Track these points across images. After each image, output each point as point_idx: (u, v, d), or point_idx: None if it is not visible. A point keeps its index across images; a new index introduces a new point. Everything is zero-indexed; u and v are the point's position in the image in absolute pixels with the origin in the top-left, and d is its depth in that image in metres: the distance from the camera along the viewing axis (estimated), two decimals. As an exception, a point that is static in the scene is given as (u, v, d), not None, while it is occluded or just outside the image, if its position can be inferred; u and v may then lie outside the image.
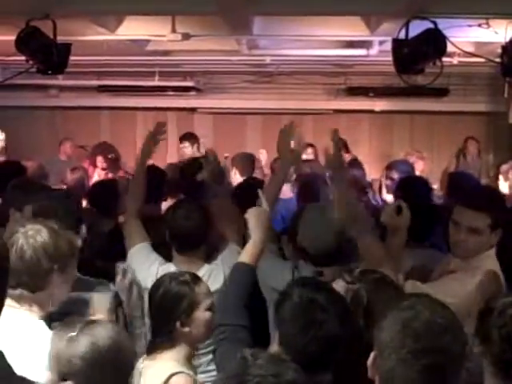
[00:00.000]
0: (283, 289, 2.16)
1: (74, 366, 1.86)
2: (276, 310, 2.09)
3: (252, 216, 2.48)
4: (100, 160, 7.53)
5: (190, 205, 3.22)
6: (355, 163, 5.68)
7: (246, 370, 1.52)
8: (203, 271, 3.04)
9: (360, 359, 1.83)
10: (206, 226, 3.10)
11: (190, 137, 7.18)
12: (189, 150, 7.04)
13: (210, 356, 3.02)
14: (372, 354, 1.65)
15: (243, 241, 3.18)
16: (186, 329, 2.42)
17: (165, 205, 4.07)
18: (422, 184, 4.30)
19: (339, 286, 2.40)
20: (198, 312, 2.46)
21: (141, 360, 2.40)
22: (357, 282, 2.38)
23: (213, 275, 3.05)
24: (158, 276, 2.81)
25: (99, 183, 4.92)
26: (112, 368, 1.90)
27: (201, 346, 2.88)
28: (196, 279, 2.57)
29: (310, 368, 1.95)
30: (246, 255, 2.42)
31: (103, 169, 7.50)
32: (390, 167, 5.21)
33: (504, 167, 4.90)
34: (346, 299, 2.16)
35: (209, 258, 3.16)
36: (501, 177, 4.89)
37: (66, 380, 1.88)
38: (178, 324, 2.41)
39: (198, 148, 7.03)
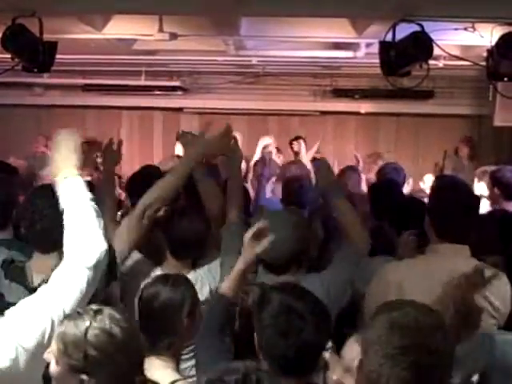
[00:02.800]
0: (261, 293, 2.18)
1: (90, 358, 1.82)
2: (256, 314, 2.11)
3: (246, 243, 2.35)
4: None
5: (193, 211, 3.18)
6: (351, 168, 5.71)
7: None
8: (189, 278, 3.03)
9: None
10: (207, 233, 3.09)
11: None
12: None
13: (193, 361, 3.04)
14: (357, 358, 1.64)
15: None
16: (190, 324, 2.39)
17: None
18: (394, 188, 4.40)
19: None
20: (198, 308, 2.46)
21: None
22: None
23: (198, 284, 3.03)
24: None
25: None
26: (125, 356, 1.85)
27: (185, 350, 2.88)
28: (187, 280, 2.58)
29: (289, 373, 1.98)
30: (228, 283, 2.32)
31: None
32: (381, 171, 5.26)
33: (480, 170, 5.00)
34: (325, 306, 2.16)
35: (196, 262, 3.14)
36: (475, 179, 4.98)
37: (78, 372, 1.83)
38: (185, 320, 2.38)
39: None
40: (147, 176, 4.07)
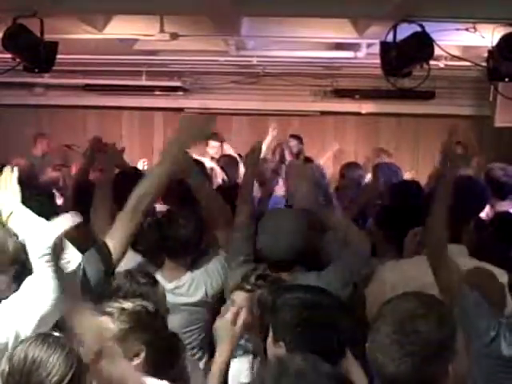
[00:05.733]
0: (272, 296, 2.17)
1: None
2: (274, 316, 2.09)
3: (220, 330, 2.31)
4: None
5: (186, 212, 3.20)
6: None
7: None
8: (185, 279, 3.05)
9: None
10: (200, 234, 3.10)
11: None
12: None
13: None
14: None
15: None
16: None
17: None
18: (414, 189, 4.34)
19: (240, 298, 2.42)
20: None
21: None
22: (256, 289, 2.39)
23: (194, 285, 3.06)
24: None
25: (79, 185, 4.80)
26: None
27: None
28: (155, 281, 2.55)
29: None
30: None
31: None
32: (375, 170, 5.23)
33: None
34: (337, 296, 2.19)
35: (194, 262, 3.15)
36: None
37: None
38: None
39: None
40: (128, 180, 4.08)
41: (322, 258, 3.06)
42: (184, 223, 3.06)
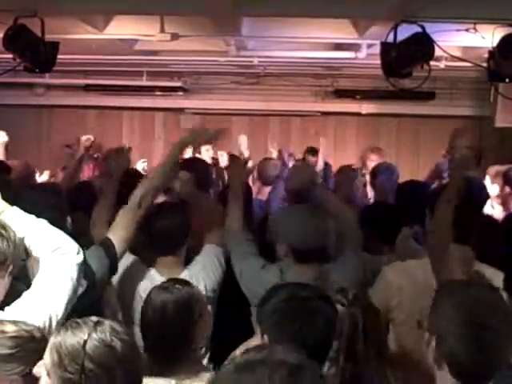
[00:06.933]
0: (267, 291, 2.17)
1: (86, 371, 1.69)
2: (261, 309, 2.11)
3: None
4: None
5: (170, 205, 3.27)
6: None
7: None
8: (183, 276, 3.03)
9: None
10: (186, 225, 3.12)
11: None
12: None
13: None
14: (430, 338, 1.78)
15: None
16: (198, 333, 2.39)
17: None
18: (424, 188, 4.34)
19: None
20: (206, 311, 2.48)
21: None
22: (350, 306, 2.35)
23: (193, 281, 3.03)
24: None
25: (76, 185, 4.81)
26: (124, 372, 1.73)
27: None
28: (187, 282, 2.57)
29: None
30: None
31: None
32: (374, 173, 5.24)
33: (491, 170, 4.96)
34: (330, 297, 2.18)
35: (187, 261, 3.16)
36: (488, 178, 4.94)
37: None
38: (196, 330, 2.37)
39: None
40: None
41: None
42: (168, 215, 3.09)
